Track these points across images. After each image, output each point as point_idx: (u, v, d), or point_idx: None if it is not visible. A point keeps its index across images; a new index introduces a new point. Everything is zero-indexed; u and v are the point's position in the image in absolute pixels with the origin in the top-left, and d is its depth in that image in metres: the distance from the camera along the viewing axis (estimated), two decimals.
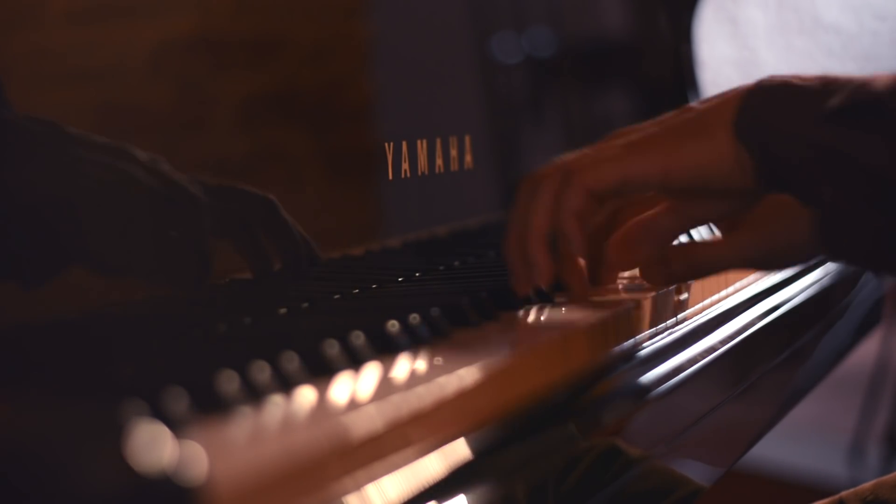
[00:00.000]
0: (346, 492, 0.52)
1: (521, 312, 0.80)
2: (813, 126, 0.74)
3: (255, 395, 0.57)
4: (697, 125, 0.77)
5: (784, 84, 0.76)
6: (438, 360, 0.66)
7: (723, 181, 0.77)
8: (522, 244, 0.79)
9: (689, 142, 0.76)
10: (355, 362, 0.64)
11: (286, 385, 0.59)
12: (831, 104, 0.73)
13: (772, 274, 1.09)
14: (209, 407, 0.54)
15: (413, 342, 0.69)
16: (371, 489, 0.53)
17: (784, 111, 0.75)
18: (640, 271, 0.86)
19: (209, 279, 0.80)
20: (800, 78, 0.76)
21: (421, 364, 0.65)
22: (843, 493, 0.99)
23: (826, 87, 0.75)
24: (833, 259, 0.78)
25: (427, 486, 0.56)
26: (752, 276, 1.06)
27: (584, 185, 0.77)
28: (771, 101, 0.75)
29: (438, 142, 1.03)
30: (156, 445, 0.46)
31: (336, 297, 0.86)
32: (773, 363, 1.00)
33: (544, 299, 0.83)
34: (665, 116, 0.80)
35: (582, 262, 0.83)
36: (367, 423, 0.54)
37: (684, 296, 0.92)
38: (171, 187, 0.77)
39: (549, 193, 0.78)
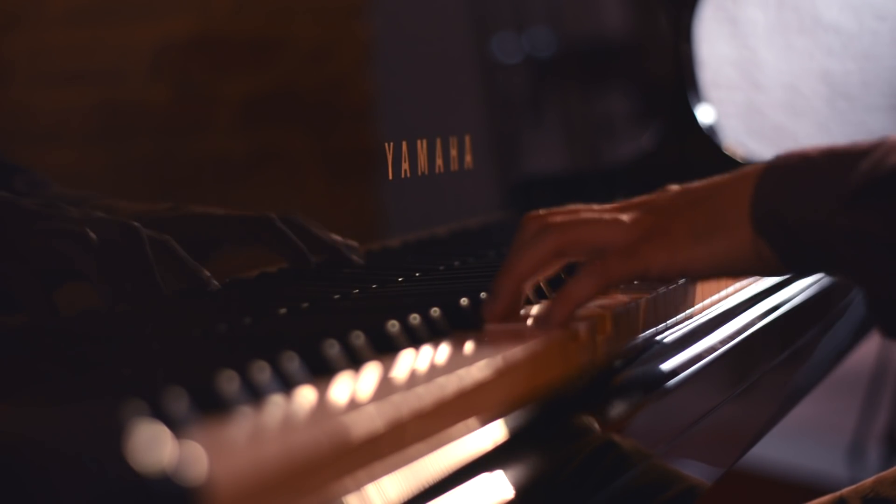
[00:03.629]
0: (347, 492, 0.52)
1: (520, 313, 0.80)
2: (835, 212, 0.73)
3: (255, 394, 0.57)
4: (713, 220, 0.75)
5: (794, 168, 0.74)
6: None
7: (743, 271, 0.77)
8: (500, 276, 0.78)
9: (706, 239, 0.75)
10: (355, 362, 0.64)
11: (286, 385, 0.59)
12: (851, 187, 0.72)
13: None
14: (209, 407, 0.54)
15: (413, 342, 0.69)
16: (371, 489, 0.53)
17: (801, 199, 0.73)
18: None
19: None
20: (807, 157, 0.75)
21: (421, 364, 0.65)
22: (844, 491, 0.99)
23: (837, 163, 0.74)
24: (888, 336, 0.78)
25: (427, 485, 0.56)
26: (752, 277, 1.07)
27: (605, 280, 0.75)
28: (784, 188, 0.74)
29: (438, 142, 1.03)
30: (156, 445, 0.46)
31: (336, 297, 0.86)
32: (773, 363, 1.00)
33: (542, 297, 0.83)
34: (678, 196, 0.78)
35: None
36: (367, 422, 0.54)
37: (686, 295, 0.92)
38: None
39: (545, 250, 0.77)
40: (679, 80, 1.46)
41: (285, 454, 0.50)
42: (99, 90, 0.77)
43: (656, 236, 0.76)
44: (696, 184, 0.78)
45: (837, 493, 0.99)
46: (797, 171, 0.74)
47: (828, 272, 0.78)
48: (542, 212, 0.79)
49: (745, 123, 2.49)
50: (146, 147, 0.81)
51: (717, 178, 0.77)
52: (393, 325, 0.69)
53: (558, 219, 0.77)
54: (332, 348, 0.63)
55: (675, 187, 0.79)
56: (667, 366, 0.80)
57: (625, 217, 0.77)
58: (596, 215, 0.77)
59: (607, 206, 0.79)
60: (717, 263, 0.76)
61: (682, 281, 0.90)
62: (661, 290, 0.87)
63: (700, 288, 0.94)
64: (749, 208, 0.74)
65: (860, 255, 0.73)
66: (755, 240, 0.75)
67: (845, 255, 0.73)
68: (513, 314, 0.78)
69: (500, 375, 0.65)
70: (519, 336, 0.73)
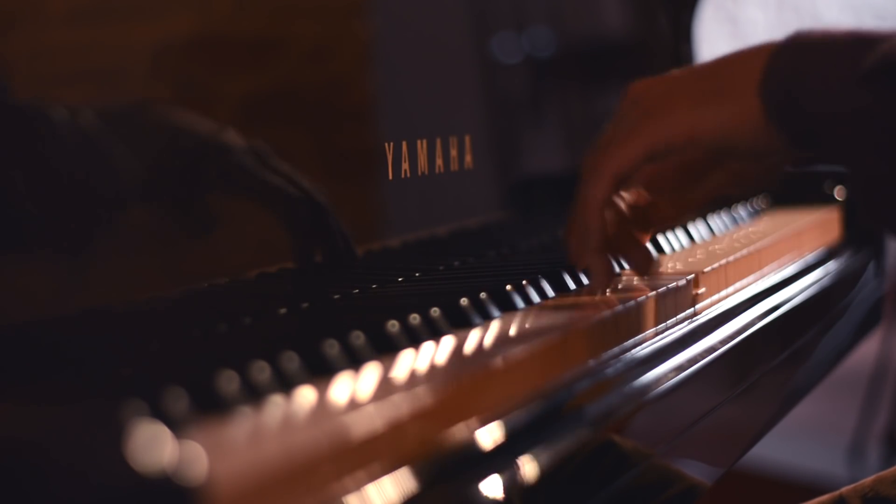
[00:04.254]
0: (347, 492, 0.52)
1: (520, 313, 0.80)
2: (849, 86, 0.71)
3: (255, 394, 0.57)
4: (721, 84, 0.74)
5: (814, 42, 0.73)
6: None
7: (750, 142, 0.75)
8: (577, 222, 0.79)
9: (713, 103, 0.74)
10: (355, 362, 0.64)
11: (286, 385, 0.59)
12: (867, 63, 0.71)
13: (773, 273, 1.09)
14: (209, 407, 0.54)
15: (413, 342, 0.69)
16: (371, 489, 0.53)
17: (817, 70, 0.72)
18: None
19: None
20: (830, 34, 0.73)
21: (421, 364, 0.65)
22: (843, 490, 0.99)
23: (859, 44, 0.72)
24: (871, 221, 0.76)
25: (427, 485, 0.56)
26: (752, 277, 1.07)
27: (610, 171, 0.76)
28: (802, 59, 0.72)
29: (438, 142, 1.03)
30: (156, 445, 0.46)
31: (336, 297, 0.86)
32: (773, 363, 1.00)
33: (536, 303, 0.83)
34: (681, 72, 0.77)
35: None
36: (367, 422, 0.54)
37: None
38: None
39: (595, 213, 0.79)
40: None
41: (285, 454, 0.50)
42: (98, 90, 0.77)
43: (658, 108, 0.75)
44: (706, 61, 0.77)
45: (837, 492, 1.00)
46: (816, 45, 0.73)
47: (819, 149, 0.75)
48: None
49: None
50: None
51: (730, 54, 0.76)
52: (393, 325, 0.69)
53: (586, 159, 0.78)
54: (332, 348, 0.63)
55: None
56: (667, 366, 0.80)
57: (634, 106, 0.76)
58: (611, 127, 0.77)
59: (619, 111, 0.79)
60: (722, 129, 0.74)
61: (682, 281, 0.90)
62: (661, 290, 0.87)
63: (700, 288, 0.94)
64: (759, 76, 0.73)
65: (859, 134, 0.71)
66: (761, 109, 0.73)
67: (845, 131, 0.71)
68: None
69: (501, 375, 0.65)
70: (518, 336, 0.73)
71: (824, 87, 0.71)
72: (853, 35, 0.72)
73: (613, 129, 0.78)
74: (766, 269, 1.10)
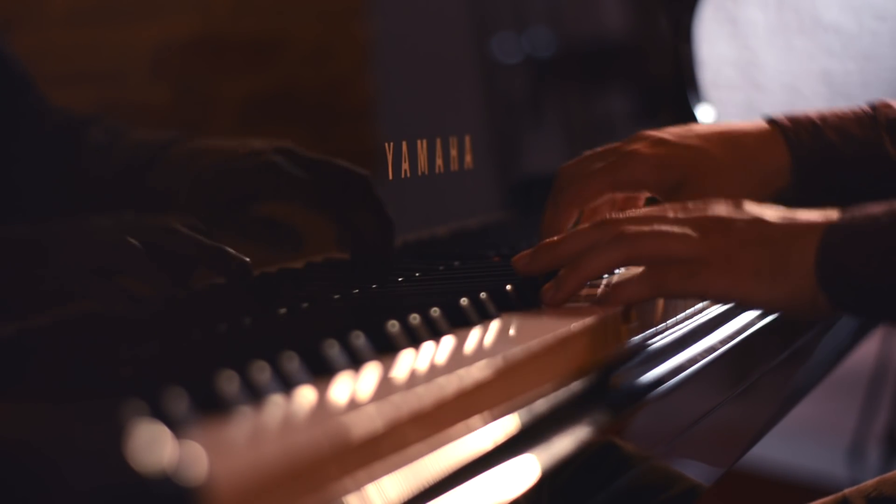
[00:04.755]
0: (347, 492, 0.52)
1: (519, 313, 0.80)
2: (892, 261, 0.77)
3: (255, 394, 0.57)
4: (779, 263, 0.78)
5: (860, 226, 0.78)
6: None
7: (796, 314, 0.80)
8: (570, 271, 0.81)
9: (769, 279, 0.78)
10: (355, 362, 0.64)
11: (286, 385, 0.59)
12: None
13: None
14: (209, 407, 0.54)
15: (413, 342, 0.69)
16: (371, 489, 0.53)
17: (866, 258, 0.77)
18: None
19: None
20: (872, 217, 0.78)
21: (421, 364, 0.65)
22: (847, 491, 1.00)
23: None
24: None
25: (427, 485, 0.56)
26: None
27: (656, 289, 0.79)
28: (851, 245, 0.77)
29: (438, 142, 1.03)
30: (156, 445, 0.46)
31: (336, 296, 0.86)
32: (773, 363, 1.00)
33: (536, 303, 0.83)
34: (750, 223, 0.81)
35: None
36: (367, 422, 0.54)
37: None
38: None
39: (616, 258, 0.80)
40: (679, 80, 1.46)
41: (285, 454, 0.50)
42: (99, 90, 0.77)
43: (721, 262, 0.78)
44: (770, 216, 0.80)
45: (840, 493, 1.00)
46: (863, 230, 0.78)
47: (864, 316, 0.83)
48: (620, 216, 0.82)
49: None
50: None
51: (790, 220, 0.80)
52: (393, 325, 0.69)
53: (633, 229, 0.80)
54: (332, 348, 0.63)
55: (752, 209, 0.81)
56: (667, 366, 0.80)
57: (696, 234, 0.79)
58: (668, 227, 0.80)
59: (682, 212, 0.81)
60: (774, 302, 0.79)
61: None
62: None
63: None
64: (814, 259, 0.77)
65: None
66: (815, 289, 0.77)
67: (889, 299, 0.77)
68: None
69: (501, 374, 0.65)
70: (518, 336, 0.73)
71: (870, 263, 0.77)
72: (893, 213, 0.78)
73: (670, 242, 0.80)
74: None
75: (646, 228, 0.80)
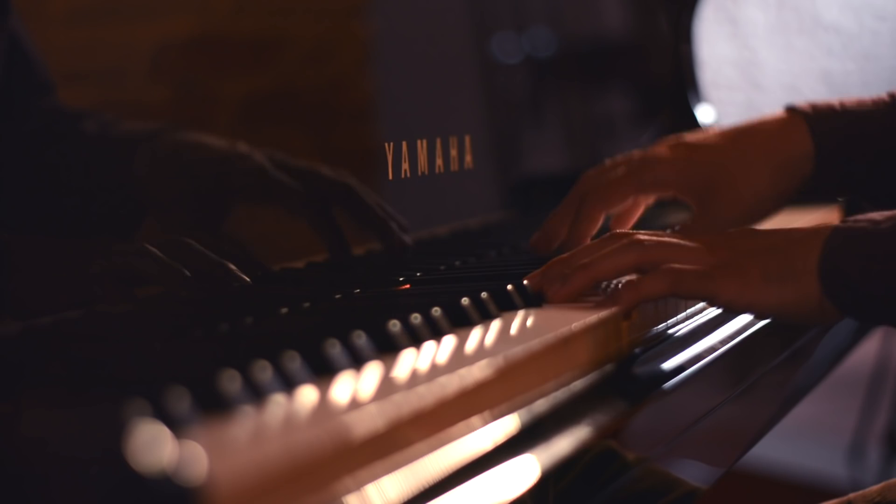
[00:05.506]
0: (348, 491, 0.52)
1: (520, 312, 0.80)
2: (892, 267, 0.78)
3: (256, 394, 0.57)
4: (785, 268, 0.80)
5: (860, 232, 0.79)
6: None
7: (803, 318, 0.82)
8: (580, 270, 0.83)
9: (777, 283, 0.80)
10: (357, 362, 0.64)
11: (288, 384, 0.59)
12: None
13: None
14: (211, 406, 0.54)
15: (414, 341, 0.69)
16: (372, 489, 0.53)
17: (866, 263, 0.79)
18: None
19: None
20: (873, 222, 0.79)
21: (422, 363, 0.65)
22: (852, 495, 1.00)
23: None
24: None
25: (427, 485, 0.56)
26: None
27: (672, 287, 0.80)
28: (851, 250, 0.79)
29: (438, 142, 1.03)
30: (156, 445, 0.46)
31: (337, 296, 0.86)
32: (773, 363, 1.00)
33: (537, 303, 0.83)
34: (753, 237, 0.84)
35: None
36: (368, 422, 0.54)
37: None
38: None
39: (627, 262, 0.82)
40: (679, 80, 1.46)
41: (286, 454, 0.50)
42: (99, 90, 0.77)
43: (731, 269, 0.81)
44: (772, 230, 0.84)
45: (845, 498, 1.00)
46: (864, 236, 0.79)
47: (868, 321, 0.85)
48: (630, 231, 0.85)
49: None
50: None
51: (793, 230, 0.83)
52: (394, 325, 0.69)
53: (644, 237, 0.83)
54: (334, 348, 0.63)
55: (754, 229, 0.85)
56: (667, 366, 0.80)
57: (704, 248, 0.82)
58: (678, 240, 0.83)
59: (688, 239, 0.84)
60: (783, 307, 0.81)
61: None
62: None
63: None
64: (817, 264, 0.79)
65: None
66: (820, 293, 0.80)
67: (890, 304, 0.79)
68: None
69: (502, 374, 0.65)
70: (518, 336, 0.73)
71: (878, 278, 0.79)
72: (892, 217, 0.80)
73: (680, 253, 0.82)
74: None
75: (658, 239, 0.83)
